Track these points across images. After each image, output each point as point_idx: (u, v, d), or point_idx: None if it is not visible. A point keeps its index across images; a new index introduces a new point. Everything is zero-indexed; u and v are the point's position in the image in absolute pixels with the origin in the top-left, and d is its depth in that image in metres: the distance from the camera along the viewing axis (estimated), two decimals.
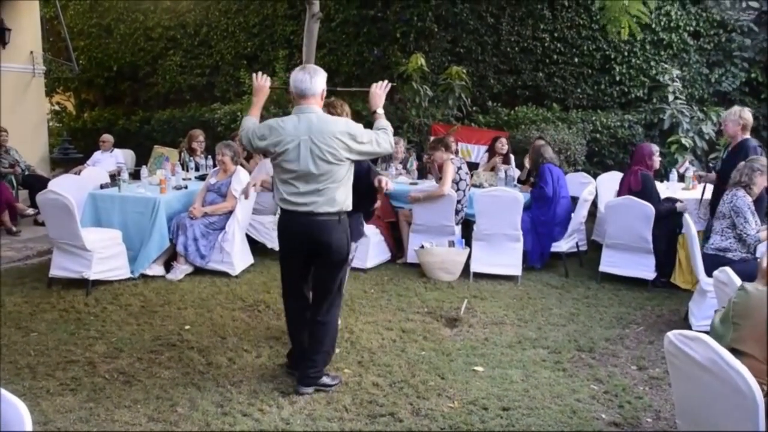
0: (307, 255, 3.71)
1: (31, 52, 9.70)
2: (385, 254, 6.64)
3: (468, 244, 6.35)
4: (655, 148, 6.37)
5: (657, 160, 6.33)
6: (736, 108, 5.88)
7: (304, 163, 3.51)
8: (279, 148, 3.55)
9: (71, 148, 10.37)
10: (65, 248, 5.61)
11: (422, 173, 7.63)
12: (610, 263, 6.16)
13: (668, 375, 3.64)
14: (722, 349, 2.21)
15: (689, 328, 4.50)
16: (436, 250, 6.18)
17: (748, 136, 5.73)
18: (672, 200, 6.17)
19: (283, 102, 9.03)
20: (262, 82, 3.95)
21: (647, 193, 5.98)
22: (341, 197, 3.62)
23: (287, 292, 3.94)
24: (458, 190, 6.42)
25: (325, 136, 3.51)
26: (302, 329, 3.86)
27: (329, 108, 4.65)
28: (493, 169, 7.61)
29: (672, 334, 2.41)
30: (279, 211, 3.83)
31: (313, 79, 3.60)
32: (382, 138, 3.69)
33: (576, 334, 4.78)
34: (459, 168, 6.50)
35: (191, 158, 8.02)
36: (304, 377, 3.74)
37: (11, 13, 9.31)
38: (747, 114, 5.73)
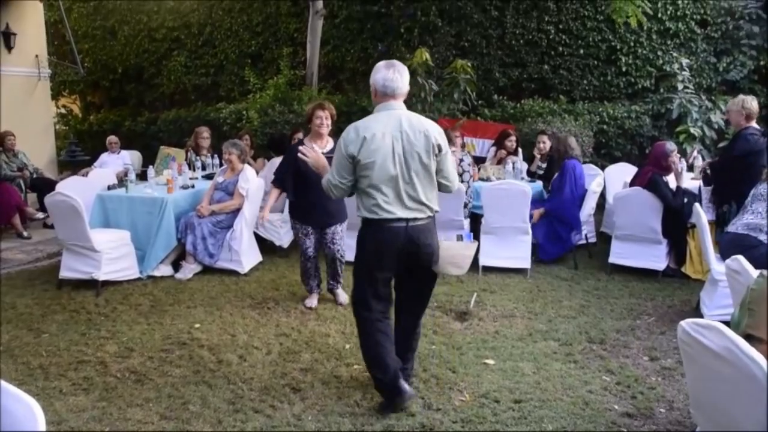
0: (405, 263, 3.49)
1: (37, 56, 9.73)
2: None
3: (476, 237, 6.32)
4: (672, 147, 6.12)
5: (675, 160, 6.05)
6: (740, 97, 5.83)
7: (405, 168, 3.33)
8: (369, 157, 3.28)
9: (78, 151, 10.40)
10: (74, 250, 5.63)
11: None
12: (620, 254, 6.13)
13: (681, 365, 3.63)
14: (737, 337, 2.18)
15: (701, 318, 4.45)
16: (444, 244, 6.07)
17: (752, 124, 5.68)
18: (689, 197, 6.07)
19: (289, 99, 9.02)
20: (311, 152, 3.71)
21: (656, 195, 5.89)
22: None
23: (370, 307, 3.51)
24: (462, 182, 6.41)
25: (418, 134, 3.34)
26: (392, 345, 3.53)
27: (323, 108, 4.93)
28: (500, 162, 7.58)
29: (685, 323, 2.38)
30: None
31: (404, 77, 3.42)
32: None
33: (587, 325, 4.75)
34: (461, 160, 6.48)
35: (198, 157, 8.03)
36: (406, 378, 3.58)
37: (16, 18, 9.34)
38: (751, 103, 5.67)
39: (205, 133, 8.41)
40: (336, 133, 5.66)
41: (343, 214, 5.17)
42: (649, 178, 5.95)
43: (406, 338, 3.67)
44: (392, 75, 3.38)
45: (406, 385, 3.45)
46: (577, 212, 6.46)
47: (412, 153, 3.33)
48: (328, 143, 5.01)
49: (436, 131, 3.42)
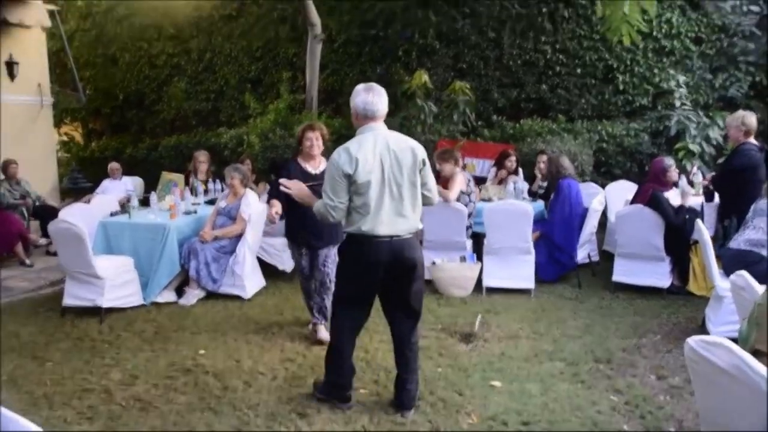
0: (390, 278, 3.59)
1: (39, 84, 9.82)
2: None
3: (479, 258, 6.33)
4: (669, 162, 6.25)
5: (674, 173, 6.24)
6: (738, 113, 5.88)
7: (394, 185, 3.47)
8: (365, 177, 3.41)
9: (80, 178, 10.46)
10: (78, 277, 5.63)
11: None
12: (623, 272, 6.12)
13: (689, 383, 3.60)
14: (746, 353, 2.18)
15: (707, 334, 4.43)
16: (447, 265, 6.16)
17: (750, 140, 5.73)
18: (690, 213, 6.07)
19: (289, 123, 9.07)
20: (293, 185, 3.89)
21: (658, 212, 5.91)
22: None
23: (350, 318, 3.75)
24: (469, 202, 6.44)
25: (404, 152, 3.50)
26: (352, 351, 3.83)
27: (313, 129, 4.90)
28: (501, 182, 7.61)
29: (692, 341, 2.37)
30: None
31: (383, 99, 3.55)
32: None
33: (592, 345, 4.74)
34: (468, 180, 6.52)
35: (199, 181, 8.07)
36: (410, 399, 3.70)
37: (19, 47, 9.44)
38: (749, 119, 5.72)
39: (201, 157, 8.48)
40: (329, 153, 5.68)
41: (336, 236, 4.72)
42: (651, 195, 5.96)
43: (401, 351, 3.76)
44: (372, 98, 3.52)
45: (349, 395, 3.77)
46: (572, 234, 6.43)
47: (401, 170, 3.49)
48: (321, 163, 4.87)
49: (418, 147, 3.60)
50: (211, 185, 8.12)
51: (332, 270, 4.81)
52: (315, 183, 4.41)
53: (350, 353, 3.80)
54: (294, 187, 3.88)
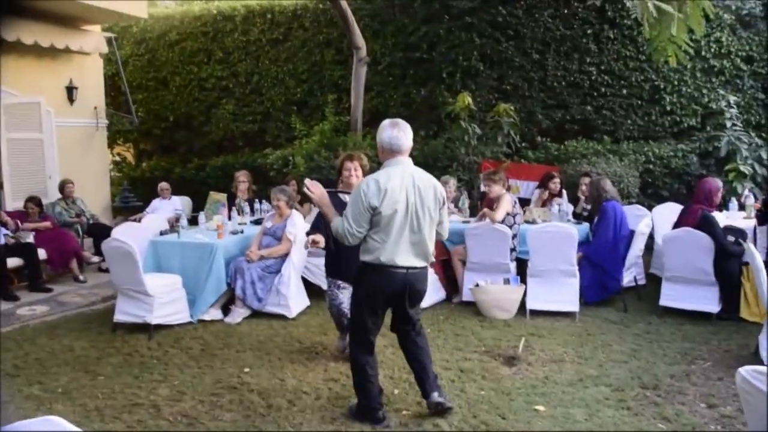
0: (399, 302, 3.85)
1: (95, 108, 10.21)
2: (439, 293, 6.62)
3: (523, 281, 6.28)
4: (719, 183, 6.15)
5: (720, 195, 6.13)
6: None
7: (415, 219, 3.66)
8: (390, 209, 3.59)
9: (131, 197, 10.79)
10: (128, 294, 5.81)
11: (474, 211, 7.63)
12: (671, 297, 6.00)
13: (741, 413, 3.50)
14: None
15: (760, 362, 4.32)
16: (491, 287, 6.14)
17: None
18: (736, 235, 5.93)
19: (334, 145, 9.20)
20: (317, 189, 3.93)
21: (708, 234, 5.78)
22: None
23: (367, 344, 3.89)
24: (514, 224, 6.42)
25: (427, 189, 3.71)
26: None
27: (352, 159, 4.80)
28: (544, 204, 7.55)
29: (744, 370, 2.32)
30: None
31: (408, 135, 3.75)
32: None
33: (639, 370, 4.65)
34: (515, 202, 6.51)
35: (244, 202, 8.24)
36: (437, 386, 3.96)
37: (79, 72, 9.86)
38: None
39: (242, 177, 8.68)
40: None
41: None
42: (701, 216, 5.85)
43: (411, 351, 4.00)
44: (397, 133, 3.71)
45: (380, 415, 3.85)
46: (617, 257, 6.32)
47: (423, 206, 3.68)
48: None
49: (439, 185, 3.83)
50: (257, 205, 8.29)
51: None
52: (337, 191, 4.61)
53: (376, 375, 3.92)
54: (316, 192, 3.92)
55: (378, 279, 3.71)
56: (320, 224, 4.71)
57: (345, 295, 4.80)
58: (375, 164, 4.78)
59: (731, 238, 5.85)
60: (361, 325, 3.84)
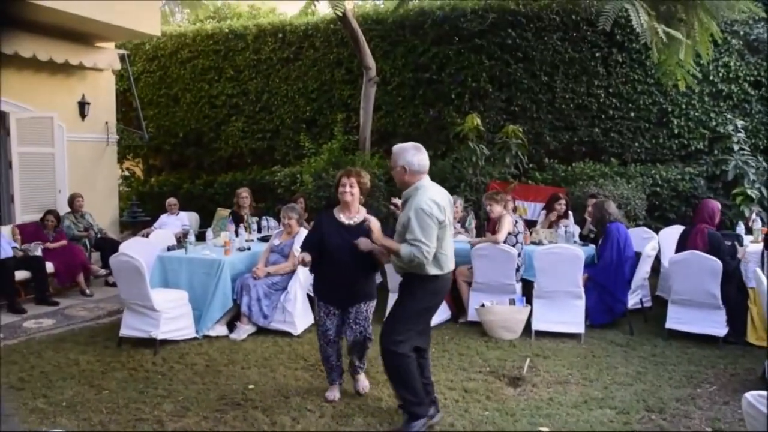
0: None
1: (107, 123, 10.32)
2: (445, 313, 6.61)
3: (529, 301, 6.28)
4: (719, 204, 6.24)
5: (720, 216, 6.23)
6: None
7: (449, 228, 4.02)
8: (444, 223, 3.94)
9: (139, 212, 10.86)
10: (135, 308, 5.83)
11: (480, 231, 7.64)
12: (677, 320, 5.97)
13: None
14: None
15: (767, 387, 4.29)
16: (496, 308, 6.13)
17: None
18: (731, 239, 6.03)
19: (342, 163, 9.26)
20: (364, 243, 4.24)
21: (717, 252, 5.80)
22: None
23: (412, 345, 4.04)
24: (517, 243, 6.43)
25: (449, 202, 4.09)
26: None
27: (349, 175, 4.54)
28: (551, 226, 7.56)
29: (750, 395, 2.32)
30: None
31: (427, 157, 4.06)
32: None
33: (644, 393, 4.62)
34: (516, 222, 6.53)
35: (252, 218, 8.29)
36: (431, 396, 4.20)
37: (90, 88, 9.99)
38: None
39: (244, 193, 8.77)
40: (385, 196, 5.69)
41: (372, 293, 4.63)
42: (710, 234, 5.89)
43: (422, 367, 4.19)
44: (423, 156, 4.02)
45: (430, 411, 4.11)
46: (622, 278, 6.33)
47: (451, 218, 4.07)
48: (359, 213, 4.55)
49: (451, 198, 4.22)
50: (264, 222, 8.33)
51: (365, 326, 4.57)
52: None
53: (417, 370, 4.07)
54: (362, 244, 4.19)
55: (442, 287, 4.06)
56: (310, 244, 4.53)
57: (333, 322, 4.56)
58: (384, 183, 4.75)
59: (728, 243, 5.95)
60: (415, 331, 4.04)
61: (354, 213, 4.55)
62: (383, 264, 4.51)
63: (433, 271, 3.90)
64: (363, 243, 4.21)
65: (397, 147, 4.07)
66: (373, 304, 4.63)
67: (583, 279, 6.16)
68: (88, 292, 8.00)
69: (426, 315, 4.17)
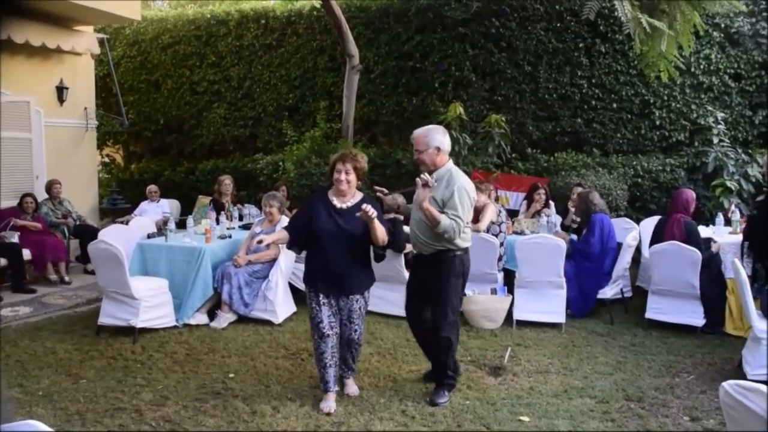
0: None
1: (86, 108, 10.14)
2: None
3: (510, 291, 6.30)
4: (694, 194, 6.32)
5: (694, 206, 6.30)
6: None
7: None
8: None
9: (119, 199, 10.71)
10: (114, 297, 5.76)
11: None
12: (657, 310, 6.03)
13: (724, 426, 3.52)
14: None
15: (744, 376, 4.35)
16: (478, 298, 6.14)
17: None
18: (708, 243, 6.09)
19: (325, 151, 9.21)
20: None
21: (693, 241, 5.87)
22: None
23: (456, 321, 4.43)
24: (500, 232, 6.44)
25: None
26: None
27: (345, 160, 4.16)
28: (533, 216, 7.58)
29: (728, 385, 2.33)
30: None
31: None
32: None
33: (624, 382, 4.66)
34: (499, 212, 6.54)
35: (233, 206, 8.22)
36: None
37: (69, 73, 9.80)
38: None
39: (227, 180, 8.71)
40: (368, 185, 5.61)
41: (368, 279, 4.35)
42: (686, 222, 5.94)
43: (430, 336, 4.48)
44: (448, 137, 4.35)
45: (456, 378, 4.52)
46: (602, 269, 6.39)
47: None
48: (354, 197, 4.24)
49: None
50: (245, 210, 8.27)
51: (360, 325, 4.31)
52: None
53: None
54: (370, 211, 4.00)
55: (465, 259, 4.36)
56: (295, 226, 4.27)
57: (325, 313, 4.18)
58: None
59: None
60: (456, 305, 4.37)
61: (349, 198, 4.22)
62: (382, 243, 4.16)
63: (460, 243, 4.24)
64: (370, 210, 3.90)
65: (423, 130, 4.32)
66: (366, 299, 4.33)
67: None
68: (67, 279, 7.88)
69: (460, 291, 4.42)
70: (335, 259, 4.12)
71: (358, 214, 3.97)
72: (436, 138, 4.23)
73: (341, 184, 4.15)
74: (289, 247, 4.44)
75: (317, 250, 4.20)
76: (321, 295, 4.19)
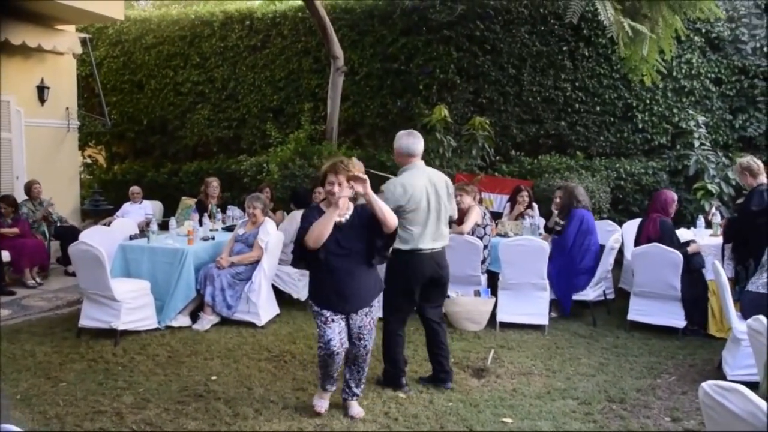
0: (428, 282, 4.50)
1: (67, 109, 10.05)
2: None
3: (494, 293, 6.31)
4: (675, 195, 6.38)
5: (675, 207, 6.35)
6: (740, 160, 6.02)
7: (434, 211, 4.43)
8: (415, 206, 4.36)
9: (102, 200, 10.61)
10: (95, 299, 5.70)
11: (449, 223, 7.63)
12: (639, 311, 6.08)
13: (704, 427, 3.54)
14: (761, 401, 2.16)
15: (723, 377, 4.39)
16: (461, 299, 6.15)
17: (762, 181, 5.76)
18: (687, 244, 6.14)
19: (309, 153, 9.18)
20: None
21: (667, 240, 5.94)
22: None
23: (401, 321, 4.59)
24: (485, 234, 6.45)
25: (440, 184, 4.52)
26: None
27: (336, 173, 3.83)
28: (517, 218, 7.60)
29: (707, 385, 2.35)
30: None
31: (420, 142, 4.56)
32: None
33: (606, 384, 4.69)
34: (484, 214, 6.55)
35: (217, 208, 8.18)
36: (450, 374, 4.64)
37: (51, 72, 9.70)
38: (749, 163, 5.88)
39: (214, 182, 8.68)
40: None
41: (376, 286, 4.15)
42: (662, 221, 6.00)
43: (435, 334, 4.64)
44: (412, 140, 4.53)
45: (403, 381, 4.58)
46: (589, 259, 6.43)
47: (439, 200, 4.47)
48: (348, 209, 3.98)
49: (448, 180, 4.68)
50: (229, 212, 8.22)
51: (369, 341, 4.07)
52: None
53: (403, 347, 4.61)
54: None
55: (411, 262, 4.39)
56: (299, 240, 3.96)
57: (335, 330, 3.91)
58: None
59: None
60: (397, 304, 4.51)
61: (344, 210, 3.93)
62: (392, 225, 3.88)
63: (402, 245, 4.34)
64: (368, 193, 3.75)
65: (397, 134, 4.61)
66: (376, 309, 4.13)
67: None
68: (38, 280, 7.76)
69: (398, 289, 4.44)
70: (339, 276, 3.90)
71: (359, 202, 3.87)
72: (396, 141, 4.57)
73: (335, 197, 3.80)
74: (295, 264, 4.20)
75: (320, 267, 3.95)
76: (329, 313, 3.94)
